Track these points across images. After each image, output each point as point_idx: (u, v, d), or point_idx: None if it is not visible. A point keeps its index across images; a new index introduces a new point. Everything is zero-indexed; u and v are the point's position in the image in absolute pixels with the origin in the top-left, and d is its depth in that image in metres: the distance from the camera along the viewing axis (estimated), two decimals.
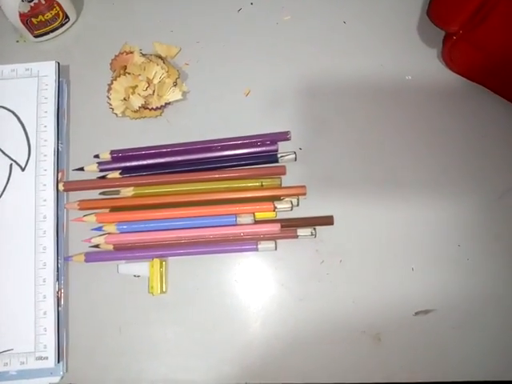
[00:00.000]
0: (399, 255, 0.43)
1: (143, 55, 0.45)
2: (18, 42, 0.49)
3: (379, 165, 0.45)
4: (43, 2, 0.45)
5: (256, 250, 0.42)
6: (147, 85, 0.44)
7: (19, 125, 0.44)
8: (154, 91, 0.45)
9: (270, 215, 0.43)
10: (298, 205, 0.43)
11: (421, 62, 0.47)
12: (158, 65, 0.45)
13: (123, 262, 0.43)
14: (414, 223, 0.44)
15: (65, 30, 0.49)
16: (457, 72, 0.46)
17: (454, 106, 0.46)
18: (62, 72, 0.46)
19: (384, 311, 0.42)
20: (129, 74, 0.44)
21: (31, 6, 0.44)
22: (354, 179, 0.45)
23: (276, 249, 0.43)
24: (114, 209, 0.43)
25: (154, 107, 0.45)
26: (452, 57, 0.45)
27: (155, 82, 0.45)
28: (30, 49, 0.48)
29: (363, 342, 0.42)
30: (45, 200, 0.42)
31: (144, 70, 0.44)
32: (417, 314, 0.42)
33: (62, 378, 0.41)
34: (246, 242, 0.43)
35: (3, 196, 0.43)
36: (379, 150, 0.45)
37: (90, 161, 0.45)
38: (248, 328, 0.42)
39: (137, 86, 0.44)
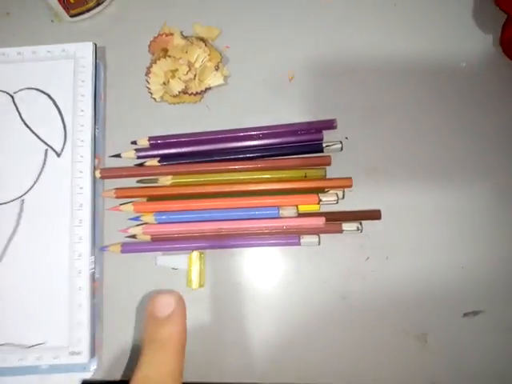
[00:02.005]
0: (449, 253, 0.41)
1: (184, 37, 0.43)
2: (52, 21, 0.47)
3: (430, 156, 0.43)
4: None
5: (298, 244, 0.40)
6: (188, 69, 0.42)
7: (55, 108, 0.42)
8: (195, 75, 0.43)
9: (314, 208, 0.41)
10: (343, 197, 0.41)
11: (476, 48, 0.44)
12: (200, 48, 0.42)
13: (160, 253, 0.41)
14: (466, 219, 0.41)
15: (101, 10, 0.46)
16: None
17: (511, 95, 0.43)
18: (98, 54, 0.44)
19: (431, 311, 0.40)
20: (169, 56, 0.42)
21: None
22: (403, 171, 0.42)
23: (319, 243, 0.41)
24: (152, 198, 0.42)
25: (194, 92, 0.43)
26: None
27: (197, 65, 0.43)
28: (65, 29, 0.46)
29: (408, 342, 0.40)
30: (81, 188, 0.41)
31: (186, 53, 0.42)
32: (465, 315, 0.40)
33: (94, 373, 0.39)
34: (288, 236, 0.41)
35: (38, 183, 0.41)
36: (430, 141, 0.43)
37: (127, 147, 0.43)
38: (288, 326, 0.41)
39: (177, 69, 0.42)
